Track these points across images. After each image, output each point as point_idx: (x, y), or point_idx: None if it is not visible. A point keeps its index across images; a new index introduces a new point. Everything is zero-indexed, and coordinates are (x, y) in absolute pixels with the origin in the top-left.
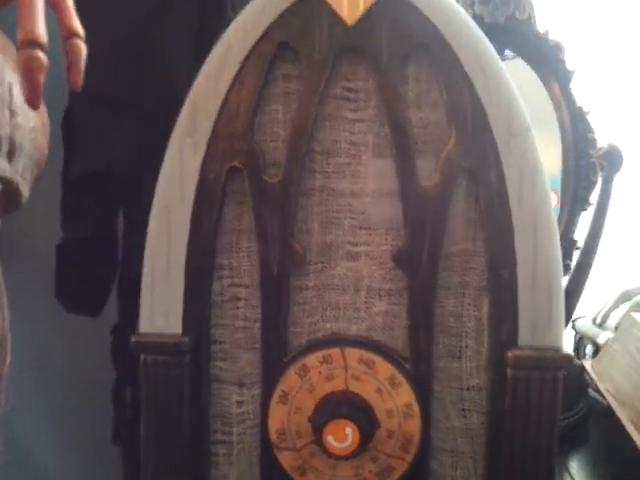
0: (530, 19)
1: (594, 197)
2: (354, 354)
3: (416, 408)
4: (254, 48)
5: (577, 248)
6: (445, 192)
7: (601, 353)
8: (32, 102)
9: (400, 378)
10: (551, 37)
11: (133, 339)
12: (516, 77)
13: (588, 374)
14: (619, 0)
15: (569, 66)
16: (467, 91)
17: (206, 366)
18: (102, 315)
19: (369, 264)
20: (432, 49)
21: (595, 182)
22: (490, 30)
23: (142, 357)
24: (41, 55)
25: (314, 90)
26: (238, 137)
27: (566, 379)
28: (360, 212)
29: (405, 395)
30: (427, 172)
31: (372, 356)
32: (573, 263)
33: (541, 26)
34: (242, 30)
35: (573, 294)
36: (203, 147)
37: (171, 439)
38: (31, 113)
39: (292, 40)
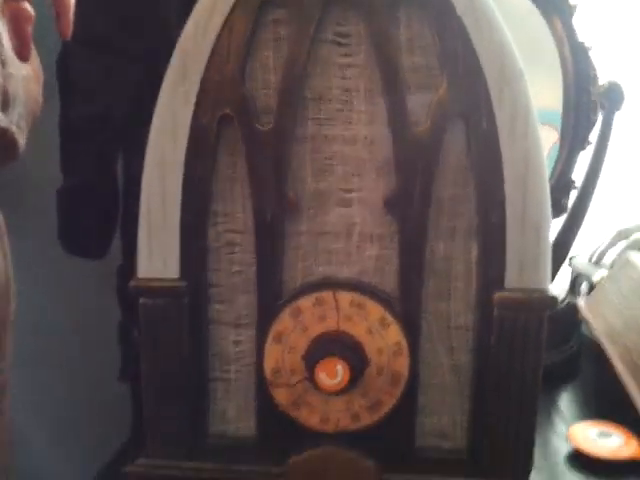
0: None
1: (593, 136)
2: (346, 297)
3: (405, 346)
4: None
5: (575, 187)
6: (436, 137)
7: (594, 291)
8: (21, 54)
9: (390, 319)
10: None
11: (132, 283)
12: (518, 11)
13: (581, 311)
14: None
15: (571, 0)
16: (459, 35)
17: (204, 308)
18: (109, 255)
19: (361, 210)
20: None
21: (595, 121)
22: None
23: (141, 300)
24: (27, 6)
25: (304, 35)
26: (228, 84)
27: (559, 316)
28: (352, 158)
29: (395, 334)
30: (419, 117)
31: (363, 298)
32: (570, 202)
33: None
34: None
35: (570, 233)
36: (194, 95)
37: (171, 379)
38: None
39: None
